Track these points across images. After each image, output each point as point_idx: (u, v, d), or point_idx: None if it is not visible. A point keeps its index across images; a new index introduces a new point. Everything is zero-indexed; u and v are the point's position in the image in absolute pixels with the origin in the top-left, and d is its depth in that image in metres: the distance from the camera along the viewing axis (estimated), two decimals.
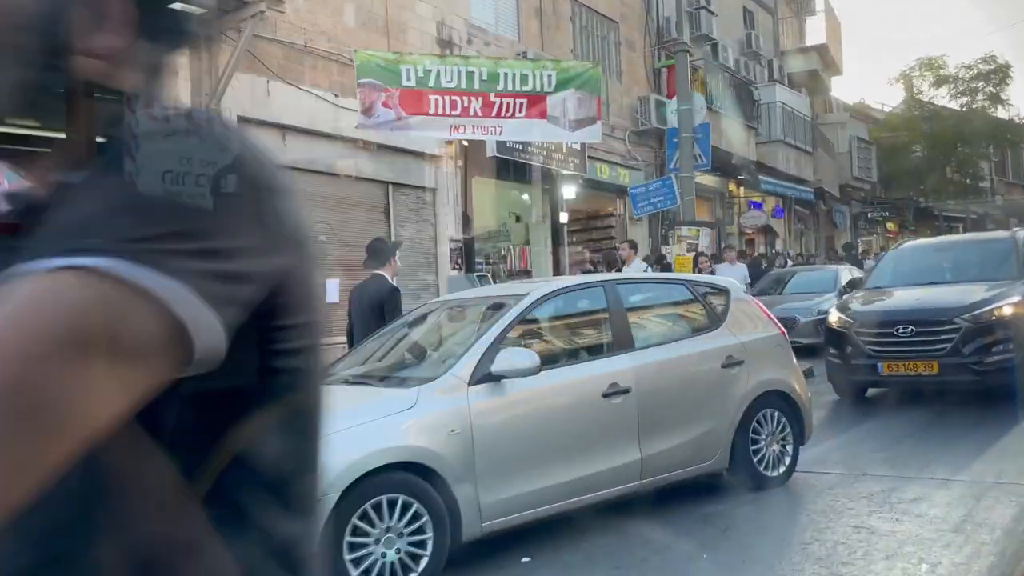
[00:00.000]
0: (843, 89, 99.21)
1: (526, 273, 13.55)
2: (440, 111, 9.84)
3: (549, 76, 10.24)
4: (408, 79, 9.68)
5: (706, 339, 5.06)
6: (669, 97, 19.10)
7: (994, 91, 32.54)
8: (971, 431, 6.96)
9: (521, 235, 15.70)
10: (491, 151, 12.67)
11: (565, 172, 14.67)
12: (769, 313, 5.57)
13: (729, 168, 21.43)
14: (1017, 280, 8.33)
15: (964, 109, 33.23)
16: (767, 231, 25.43)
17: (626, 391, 4.49)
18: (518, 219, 15.72)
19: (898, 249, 9.81)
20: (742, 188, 22.91)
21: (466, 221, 13.03)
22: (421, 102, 9.76)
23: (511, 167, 13.60)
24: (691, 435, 4.79)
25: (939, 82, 32.93)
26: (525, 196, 15.34)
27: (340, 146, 11.13)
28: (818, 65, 27.51)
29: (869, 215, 34.76)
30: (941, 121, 32.83)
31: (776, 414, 5.25)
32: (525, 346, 4.38)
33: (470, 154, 12.93)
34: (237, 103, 9.69)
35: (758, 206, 23.55)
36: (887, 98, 41.79)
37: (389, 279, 6.47)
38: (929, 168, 33.16)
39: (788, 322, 10.31)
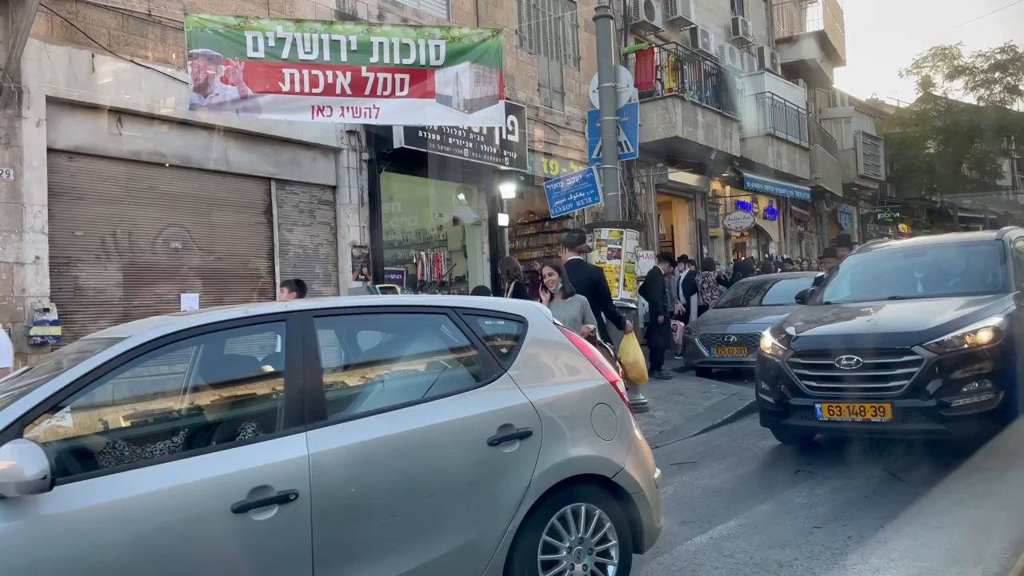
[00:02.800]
0: (853, 84, 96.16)
1: (441, 286, 11.72)
2: (298, 88, 8.06)
3: (437, 46, 8.43)
4: (255, 49, 7.91)
5: (466, 400, 3.22)
6: (638, 88, 17.25)
7: (1012, 82, 30.26)
8: (928, 509, 5.05)
9: (459, 239, 13.89)
10: (397, 142, 10.89)
11: (504, 168, 12.87)
12: (593, 352, 3.72)
13: (710, 165, 19.52)
14: (1003, 293, 6.41)
15: (981, 103, 30.98)
16: (759, 234, 23.43)
17: (286, 498, 2.69)
18: (455, 222, 13.91)
19: (858, 254, 7.91)
20: (728, 187, 20.97)
21: (374, 224, 11.24)
22: (272, 78, 7.98)
23: (439, 161, 11.83)
24: (423, 559, 2.98)
25: (953, 73, 30.72)
26: (461, 195, 13.54)
27: (202, 134, 9.41)
28: (816, 54, 25.45)
29: (879, 215, 32.55)
30: (955, 115, 30.64)
31: (589, 512, 3.43)
32: (92, 429, 2.62)
33: (382, 145, 11.16)
34: (46, 80, 7.98)
35: (746, 207, 21.58)
36: (901, 93, 39.34)
37: None
38: (942, 165, 30.93)
39: (755, 340, 8.44)
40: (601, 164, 8.99)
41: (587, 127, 15.97)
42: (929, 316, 6.08)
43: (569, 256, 7.71)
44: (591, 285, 7.12)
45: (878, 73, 74.23)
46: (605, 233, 8.74)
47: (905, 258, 7.59)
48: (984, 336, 5.78)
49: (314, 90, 8.14)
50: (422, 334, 3.47)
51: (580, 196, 8.99)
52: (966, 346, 5.77)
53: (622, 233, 8.66)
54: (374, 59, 8.28)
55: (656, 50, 17.50)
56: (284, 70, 8.05)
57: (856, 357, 5.95)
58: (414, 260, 11.55)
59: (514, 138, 12.84)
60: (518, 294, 7.31)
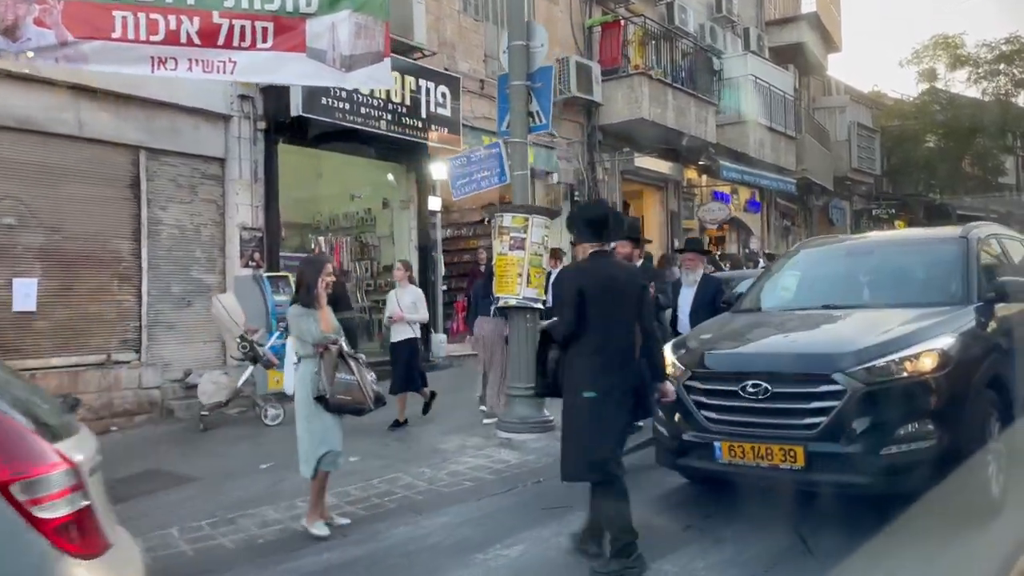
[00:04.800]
0: (855, 76, 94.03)
1: (343, 274, 10.34)
2: (132, 35, 6.66)
3: None
4: None
5: None
6: (603, 64, 15.86)
7: (1019, 74, 28.69)
8: None
9: (387, 224, 12.54)
10: (295, 108, 9.51)
11: (435, 145, 11.50)
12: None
13: (685, 152, 18.10)
14: (960, 305, 5.04)
15: (986, 97, 29.42)
16: (739, 227, 22.00)
17: None
18: (385, 204, 12.55)
19: (805, 250, 6.53)
20: (704, 176, 19.55)
21: (270, 203, 9.89)
22: (99, 21, 6.59)
23: (351, 134, 10.48)
24: None
25: (956, 63, 29.15)
26: (390, 175, 12.17)
27: (47, 92, 8.05)
28: (808, 37, 23.94)
29: (874, 212, 31.07)
30: (957, 109, 29.09)
31: None
32: None
33: (281, 114, 9.78)
34: None
35: (724, 198, 20.15)
36: (903, 86, 37.68)
37: None
38: (942, 160, 29.41)
39: None
40: (509, 138, 7.62)
41: (497, 94, 14.59)
42: (861, 334, 4.71)
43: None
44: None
45: (880, 65, 72.40)
46: (507, 219, 7.37)
47: (854, 258, 6.20)
48: (927, 362, 4.41)
49: (153, 38, 6.74)
50: None
51: (485, 175, 7.65)
52: (904, 374, 4.40)
53: (527, 220, 7.29)
54: (229, 3, 6.90)
55: (624, 24, 16.08)
56: (115, 12, 6.64)
57: (764, 384, 4.59)
58: (312, 246, 10.17)
59: (445, 112, 11.45)
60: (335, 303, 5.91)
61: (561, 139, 14.99)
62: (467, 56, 12.96)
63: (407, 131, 10.83)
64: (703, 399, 4.88)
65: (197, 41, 6.88)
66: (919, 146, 29.25)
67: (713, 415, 4.82)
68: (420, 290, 8.33)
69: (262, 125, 9.82)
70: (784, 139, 21.24)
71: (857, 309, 5.40)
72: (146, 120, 8.86)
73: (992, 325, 5.02)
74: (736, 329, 5.48)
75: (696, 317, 6.62)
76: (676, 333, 6.67)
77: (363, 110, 10.17)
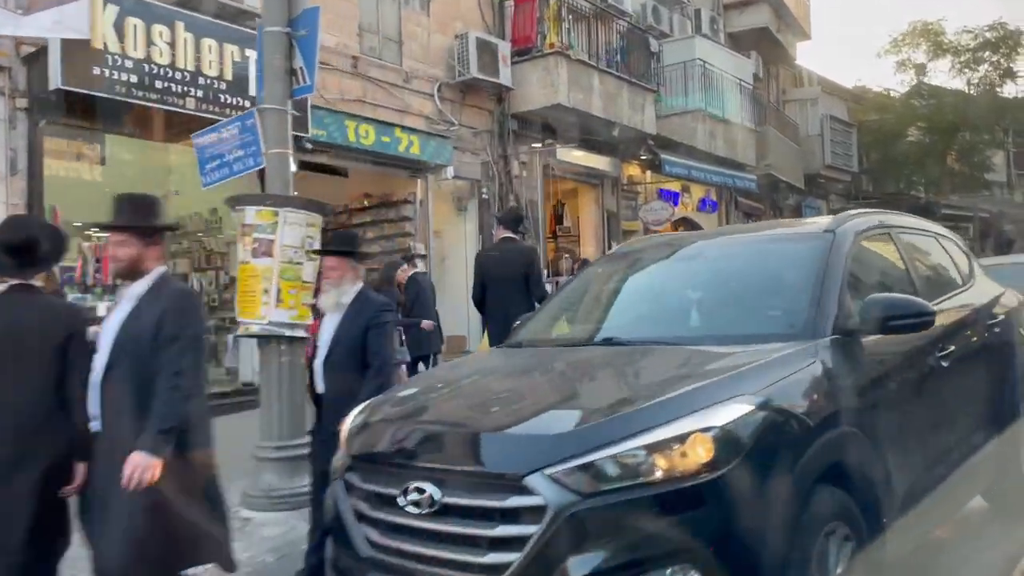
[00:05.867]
0: (838, 71, 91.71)
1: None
2: None
3: None
4: None
5: None
6: (516, 43, 13.92)
7: (1004, 63, 26.71)
8: None
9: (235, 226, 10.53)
10: (54, 80, 7.54)
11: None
12: None
13: (621, 145, 16.14)
14: (803, 340, 3.07)
15: (971, 88, 27.45)
16: (690, 228, 20.01)
17: None
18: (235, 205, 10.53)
19: (611, 255, 4.57)
20: (649, 172, 17.56)
21: (33, 201, 7.92)
22: None
23: (150, 114, 8.56)
24: None
25: (936, 49, 27.15)
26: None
27: None
28: (771, 22, 21.98)
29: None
30: (940, 100, 27.13)
31: None
32: None
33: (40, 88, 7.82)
34: None
35: (672, 196, 18.20)
36: (887, 79, 35.84)
37: None
38: (925, 157, 27.42)
39: None
40: (262, 105, 5.66)
41: (436, 89, 12.69)
42: (598, 398, 2.75)
43: (503, 234, 7.26)
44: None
45: (863, 58, 70.37)
46: (251, 215, 5.42)
47: (684, 265, 4.19)
48: (695, 454, 2.42)
49: None
50: None
51: (239, 156, 5.70)
52: (654, 477, 2.42)
53: (277, 215, 5.33)
54: None
55: None
56: None
57: (430, 489, 2.61)
58: (77, 254, 8.19)
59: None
60: None
61: (464, 128, 13.05)
62: (334, 28, 11.01)
63: (229, 112, 8.85)
64: (362, 506, 2.89)
65: None
66: (899, 141, 27.22)
67: (374, 534, 2.83)
68: None
69: (25, 104, 7.86)
70: (742, 131, 19.26)
71: (657, 345, 3.41)
72: None
73: (848, 373, 3.04)
74: (454, 379, 3.49)
75: (332, 364, 4.17)
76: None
77: (159, 84, 8.20)
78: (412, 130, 11.58)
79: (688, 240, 4.44)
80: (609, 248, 16.33)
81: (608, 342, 3.50)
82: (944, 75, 27.91)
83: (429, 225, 12.33)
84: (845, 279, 3.39)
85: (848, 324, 3.21)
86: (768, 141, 21.05)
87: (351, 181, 12.41)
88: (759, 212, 23.19)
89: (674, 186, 18.31)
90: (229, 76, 8.90)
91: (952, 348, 3.73)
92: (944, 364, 3.64)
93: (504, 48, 13.15)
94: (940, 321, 3.67)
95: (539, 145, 14.16)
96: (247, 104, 9.01)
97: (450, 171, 12.11)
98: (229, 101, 8.92)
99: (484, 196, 13.30)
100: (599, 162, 15.84)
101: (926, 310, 3.18)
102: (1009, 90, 27.78)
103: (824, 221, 3.87)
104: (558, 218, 17.70)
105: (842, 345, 3.11)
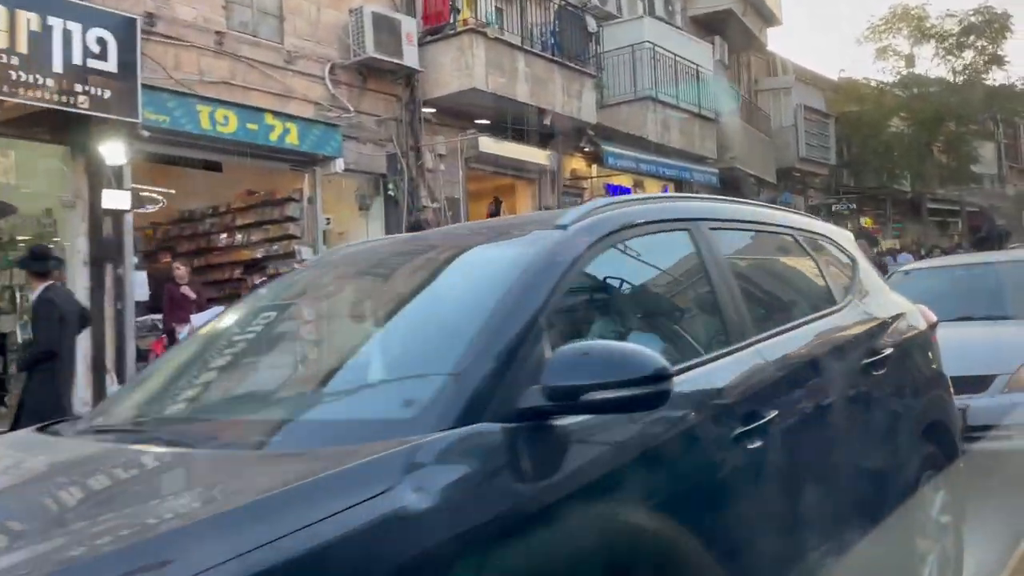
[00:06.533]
0: (821, 61, 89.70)
1: None
2: None
3: None
4: None
5: None
6: (427, 21, 12.44)
7: (990, 47, 25.18)
8: None
9: (66, 228, 9.06)
10: None
11: (105, 117, 8.07)
12: None
13: (561, 136, 14.68)
14: (416, 432, 1.57)
15: (956, 76, 25.93)
16: None
17: None
18: (72, 203, 9.07)
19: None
20: (595, 166, 16.05)
21: None
22: None
23: None
24: None
25: (918, 35, 25.62)
26: (56, 161, 8.73)
27: None
28: (735, 4, 20.49)
29: (833, 207, 27.49)
30: (923, 88, 25.66)
31: None
32: None
33: None
34: None
35: (622, 191, 16.69)
36: (870, 69, 34.18)
37: None
38: (909, 149, 25.92)
39: None
40: None
41: (326, 71, 11.19)
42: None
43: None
44: None
45: (844, 48, 68.79)
46: None
47: (359, 284, 2.64)
48: None
49: None
50: None
51: None
52: None
53: None
54: None
55: None
56: None
57: None
58: None
59: (107, 66, 7.99)
60: None
61: (365, 116, 11.56)
62: None
63: (24, 92, 7.37)
64: None
65: None
66: (880, 132, 25.68)
67: None
68: None
69: None
70: (699, 121, 17.77)
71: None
72: None
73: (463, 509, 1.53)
74: None
75: None
76: None
77: None
78: (289, 117, 10.09)
79: (382, 250, 2.85)
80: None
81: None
82: (927, 63, 26.34)
83: (318, 225, 10.83)
84: (546, 311, 1.88)
85: (525, 398, 1.70)
86: (732, 132, 19.55)
87: (229, 177, 10.94)
88: None
89: (624, 181, 16.82)
90: (23, 49, 7.41)
91: (771, 418, 2.21)
92: (753, 449, 2.13)
93: (409, 25, 11.65)
94: (747, 375, 2.18)
95: (459, 135, 12.66)
96: (49, 83, 7.54)
97: (340, 163, 10.61)
98: (27, 79, 7.43)
99: (390, 192, 11.80)
100: (534, 154, 14.32)
101: (653, 371, 1.67)
102: (997, 78, 26.26)
103: (570, 213, 2.33)
104: (495, 216, 16.22)
105: (482, 444, 1.61)
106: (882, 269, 9.69)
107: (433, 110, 12.43)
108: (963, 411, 4.69)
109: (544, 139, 14.47)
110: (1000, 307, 5.87)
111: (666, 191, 18.24)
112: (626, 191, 16.90)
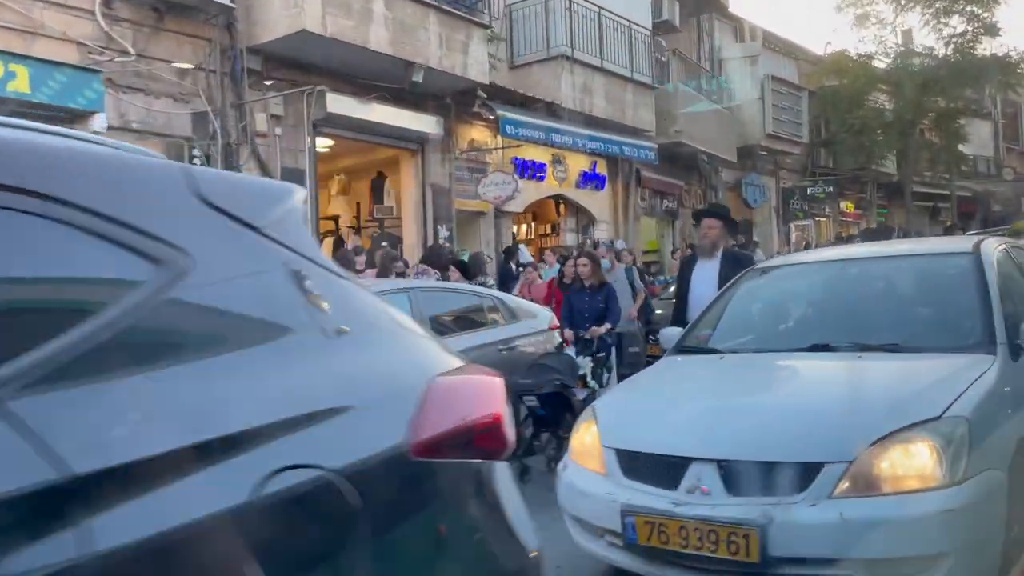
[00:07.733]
0: (805, 36, 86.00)
1: None
2: None
3: None
4: None
5: None
6: None
7: (982, 14, 22.53)
8: None
9: None
10: None
11: None
12: None
13: (449, 99, 12.30)
14: None
15: (945, 49, 23.25)
16: (578, 212, 16.09)
17: None
18: None
19: None
20: (501, 137, 13.61)
21: None
22: None
23: None
24: None
25: (903, 3, 22.98)
26: None
27: None
28: None
29: (808, 190, 24.99)
30: (906, 58, 23.06)
31: None
32: None
33: None
34: None
35: (534, 167, 14.30)
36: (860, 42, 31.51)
37: None
38: (889, 126, 23.37)
39: None
40: None
41: (97, 4, 8.83)
42: None
43: None
44: None
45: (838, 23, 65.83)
46: None
47: None
48: None
49: None
50: None
51: None
52: None
53: None
54: None
55: None
56: None
57: None
58: None
59: None
60: None
61: (160, 62, 9.19)
62: None
63: None
64: None
65: None
66: (858, 107, 23.10)
67: None
68: None
69: None
70: (632, 86, 15.33)
71: None
72: None
73: None
74: None
75: None
76: None
77: None
78: (20, 57, 7.72)
79: None
80: (434, 234, 12.47)
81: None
82: (914, 34, 23.70)
83: None
84: None
85: None
86: (677, 102, 17.10)
87: None
88: (677, 191, 19.21)
89: (539, 155, 14.41)
90: None
91: None
92: None
93: None
94: None
95: (293, 91, 10.27)
96: None
97: (100, 120, 8.23)
98: None
99: (196, 160, 9.42)
100: (414, 120, 11.92)
101: None
102: (990, 48, 23.58)
103: None
104: (377, 195, 13.86)
105: None
106: None
107: (261, 59, 10.05)
108: (762, 529, 2.39)
109: (429, 101, 12.10)
110: (878, 329, 3.47)
111: (594, 167, 15.85)
112: (540, 167, 14.51)
